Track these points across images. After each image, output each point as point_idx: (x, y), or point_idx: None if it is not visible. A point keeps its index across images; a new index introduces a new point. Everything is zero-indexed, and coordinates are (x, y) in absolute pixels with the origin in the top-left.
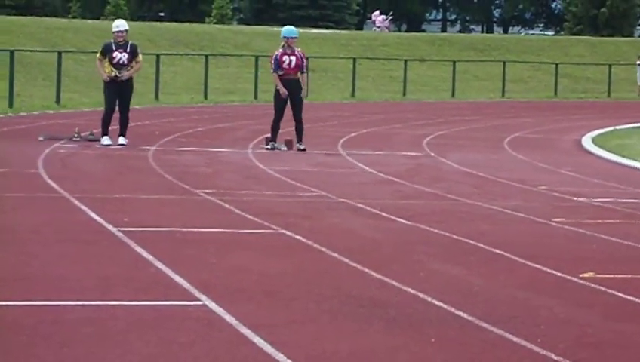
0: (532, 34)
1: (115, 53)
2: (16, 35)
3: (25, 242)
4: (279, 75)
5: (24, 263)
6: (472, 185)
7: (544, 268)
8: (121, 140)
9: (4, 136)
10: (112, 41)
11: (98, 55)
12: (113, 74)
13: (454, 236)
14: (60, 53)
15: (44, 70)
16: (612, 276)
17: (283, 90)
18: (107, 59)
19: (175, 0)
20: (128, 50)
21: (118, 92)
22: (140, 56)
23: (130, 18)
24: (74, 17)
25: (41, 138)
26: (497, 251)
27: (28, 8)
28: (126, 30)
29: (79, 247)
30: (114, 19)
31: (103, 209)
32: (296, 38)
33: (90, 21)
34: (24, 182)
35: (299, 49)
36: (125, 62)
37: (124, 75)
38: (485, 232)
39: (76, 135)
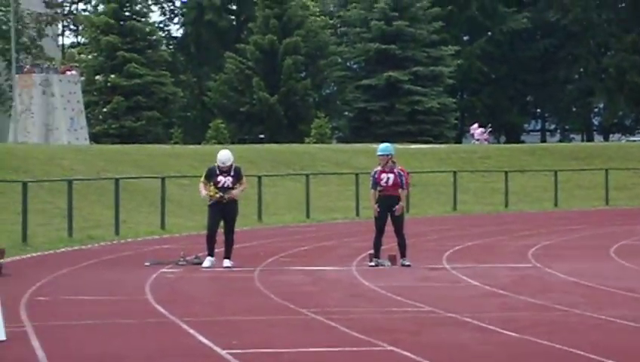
0: (633, 140)
1: (220, 178)
2: (121, 163)
3: None
4: (379, 192)
5: None
6: (580, 295)
7: None
8: (226, 263)
9: (112, 263)
10: (216, 165)
11: (202, 179)
12: (218, 195)
13: (564, 347)
14: (163, 179)
15: (149, 196)
16: None
17: (375, 208)
18: (211, 184)
19: (274, 122)
20: (232, 173)
21: (222, 213)
22: (245, 178)
23: (230, 141)
24: (176, 143)
25: (147, 264)
26: None
27: (131, 137)
28: (231, 165)
29: None
30: (215, 143)
31: (211, 332)
32: (387, 155)
33: (191, 146)
34: (133, 309)
35: (400, 166)
36: (230, 185)
37: (233, 193)
38: (596, 343)
39: (182, 259)
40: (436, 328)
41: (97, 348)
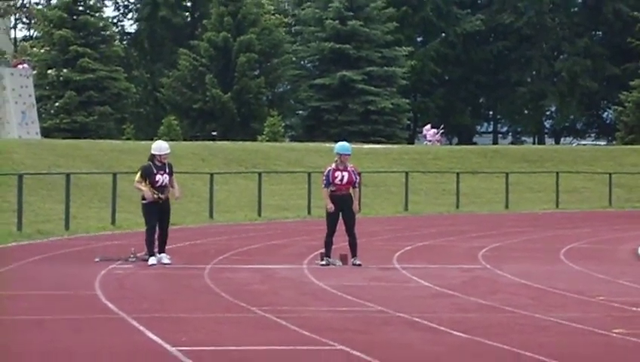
0: (584, 144)
1: (158, 177)
2: (72, 158)
3: None
4: (331, 191)
5: None
6: (529, 297)
7: None
8: (165, 259)
9: (61, 258)
10: (151, 163)
11: (137, 178)
12: (156, 196)
13: (513, 349)
14: (114, 175)
15: (100, 192)
16: None
17: (330, 206)
18: (148, 182)
19: (227, 119)
20: (167, 171)
21: (160, 212)
22: (174, 176)
23: (182, 138)
24: (128, 139)
25: (97, 259)
26: None
27: (83, 132)
28: (167, 159)
29: None
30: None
31: (160, 329)
32: (349, 154)
33: (144, 142)
34: (82, 304)
35: (352, 165)
36: (167, 183)
37: (177, 196)
38: (545, 344)
39: (132, 256)
40: (386, 327)
41: (46, 343)
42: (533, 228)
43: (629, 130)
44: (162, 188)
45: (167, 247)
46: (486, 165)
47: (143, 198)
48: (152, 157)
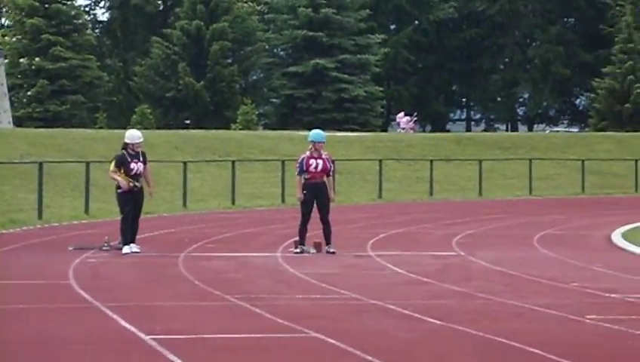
0: (557, 131)
1: (132, 165)
2: (45, 147)
3: (58, 353)
4: (305, 179)
5: None
6: (503, 284)
7: None
8: (136, 248)
9: (34, 247)
10: (124, 152)
11: (112, 167)
12: (132, 184)
13: (487, 335)
14: (87, 164)
15: (73, 181)
16: None
17: (300, 195)
18: (123, 171)
19: (200, 108)
20: (141, 159)
21: (134, 201)
22: (148, 164)
23: (156, 126)
24: (101, 128)
25: (70, 248)
26: (532, 349)
27: (55, 120)
28: (140, 147)
29: (113, 358)
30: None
31: (135, 317)
32: (323, 142)
33: (116, 131)
34: (55, 293)
35: (326, 153)
36: (141, 171)
37: (151, 186)
38: (518, 331)
39: (106, 244)
40: (360, 315)
41: (19, 332)
42: (507, 214)
43: (601, 117)
44: (137, 177)
45: (140, 236)
46: (459, 152)
47: (118, 187)
48: (125, 145)
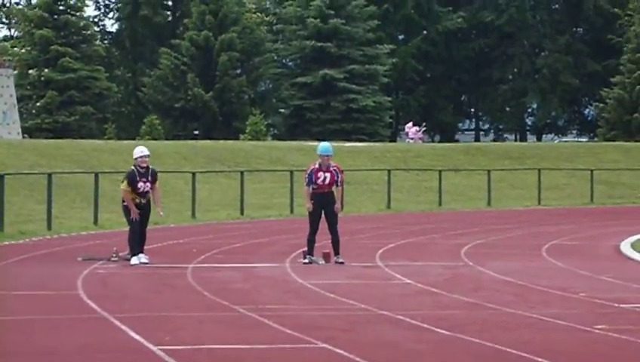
0: (566, 141)
1: (140, 184)
2: (54, 158)
3: None
4: (313, 189)
5: None
6: (512, 294)
7: None
8: (144, 258)
9: (43, 258)
10: (135, 169)
11: (125, 186)
12: (137, 200)
13: (496, 346)
14: (96, 175)
15: (82, 191)
16: None
17: (309, 206)
18: (130, 188)
19: (209, 118)
20: (150, 178)
21: (140, 213)
22: (158, 182)
23: (164, 137)
24: (110, 138)
25: (79, 259)
26: (541, 360)
27: (64, 131)
28: (149, 155)
29: None
30: (149, 139)
31: (143, 328)
32: (330, 155)
33: (125, 142)
34: (64, 304)
35: (334, 164)
36: (148, 190)
37: (159, 206)
38: (528, 341)
39: (114, 255)
40: (369, 326)
41: (28, 343)
42: (516, 225)
43: (610, 127)
44: (144, 194)
45: (149, 246)
46: (468, 162)
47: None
48: (135, 160)
